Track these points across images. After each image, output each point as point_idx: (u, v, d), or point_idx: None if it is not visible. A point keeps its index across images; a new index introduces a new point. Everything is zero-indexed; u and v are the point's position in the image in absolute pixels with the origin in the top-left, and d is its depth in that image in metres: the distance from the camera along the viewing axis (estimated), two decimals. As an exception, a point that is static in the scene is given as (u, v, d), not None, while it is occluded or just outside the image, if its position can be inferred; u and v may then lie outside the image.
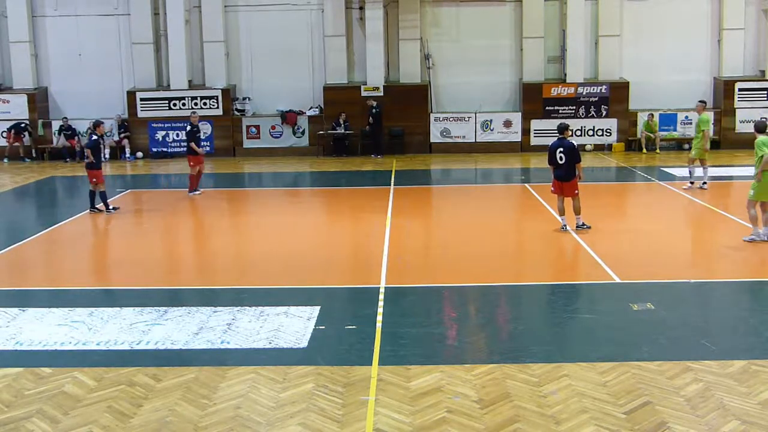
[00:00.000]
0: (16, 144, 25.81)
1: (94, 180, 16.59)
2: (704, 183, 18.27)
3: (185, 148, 19.33)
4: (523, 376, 7.70)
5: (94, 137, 16.86)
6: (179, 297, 10.81)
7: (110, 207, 16.83)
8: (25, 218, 17.80)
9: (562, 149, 13.79)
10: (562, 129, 14.08)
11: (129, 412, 7.09)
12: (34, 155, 26.03)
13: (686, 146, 25.02)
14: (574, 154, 13.73)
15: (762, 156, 12.63)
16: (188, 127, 19.17)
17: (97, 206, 16.79)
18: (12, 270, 12.53)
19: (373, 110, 25.15)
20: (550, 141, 25.26)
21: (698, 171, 18.35)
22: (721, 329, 9.21)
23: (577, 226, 13.86)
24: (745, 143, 25.39)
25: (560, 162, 13.82)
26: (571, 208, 13.99)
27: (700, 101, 18.75)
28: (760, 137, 12.91)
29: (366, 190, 17.51)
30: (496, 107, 26.52)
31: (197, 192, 18.89)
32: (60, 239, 14.89)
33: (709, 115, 18.91)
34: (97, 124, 17.51)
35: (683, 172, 19.88)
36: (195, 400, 7.32)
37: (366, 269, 12.06)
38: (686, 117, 25.62)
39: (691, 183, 18.32)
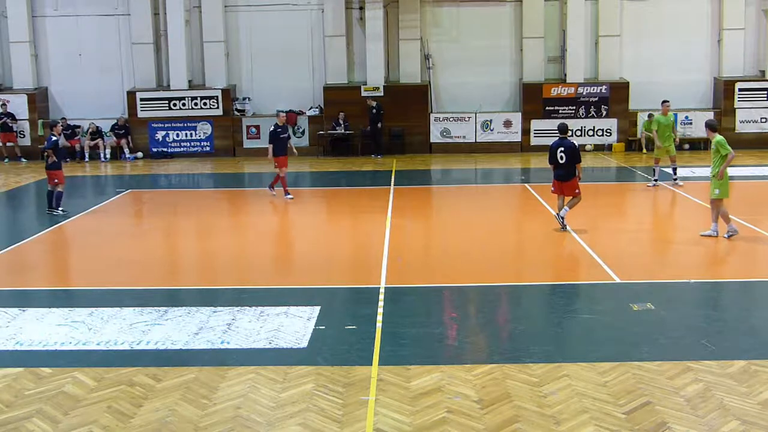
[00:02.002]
0: (10, 144, 25.77)
1: (56, 180, 16.42)
2: (657, 181, 18.75)
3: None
4: (523, 376, 7.70)
5: (53, 138, 16.64)
6: (179, 297, 10.81)
7: (62, 208, 16.50)
8: (25, 218, 17.79)
9: (562, 149, 13.80)
10: (563, 129, 14.10)
11: (129, 412, 7.09)
12: (18, 154, 25.94)
13: (686, 146, 25.06)
14: (574, 154, 13.74)
15: (726, 155, 12.89)
16: (272, 127, 18.29)
17: (55, 207, 16.48)
18: (12, 270, 12.53)
19: (373, 110, 25.14)
20: (550, 141, 25.37)
21: (668, 169, 18.94)
22: (721, 329, 9.21)
23: (559, 215, 13.87)
24: (746, 143, 25.44)
25: (561, 161, 13.84)
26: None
27: (665, 101, 18.94)
28: (718, 136, 13.22)
29: (366, 190, 17.53)
30: (496, 107, 26.52)
31: (273, 192, 18.33)
32: (60, 239, 14.89)
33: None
34: (53, 125, 17.35)
35: (682, 171, 19.89)
36: (195, 400, 7.32)
37: (366, 269, 12.06)
38: (686, 117, 25.63)
39: (675, 180, 18.67)
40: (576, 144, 13.94)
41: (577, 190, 13.81)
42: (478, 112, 26.03)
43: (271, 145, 17.81)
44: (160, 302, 10.33)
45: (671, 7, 26.05)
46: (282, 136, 17.95)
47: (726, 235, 13.25)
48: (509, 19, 26.34)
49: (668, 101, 19.02)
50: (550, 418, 6.83)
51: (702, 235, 13.29)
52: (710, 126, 13.59)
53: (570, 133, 14.35)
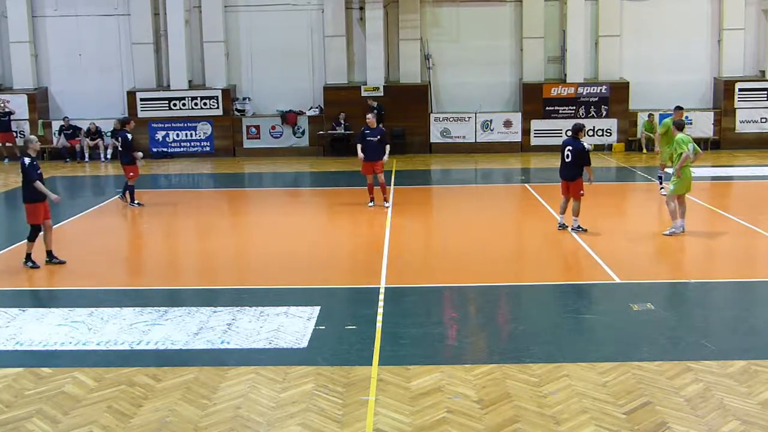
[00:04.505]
0: (9, 144, 25.77)
1: (131, 174, 17.31)
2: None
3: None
4: (523, 376, 7.70)
5: (127, 134, 17.51)
6: (179, 297, 10.82)
7: (135, 201, 17.44)
8: (25, 218, 17.76)
9: (570, 148, 13.77)
10: (576, 130, 13.95)
11: (129, 412, 7.09)
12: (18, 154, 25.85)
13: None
14: (579, 155, 13.67)
15: (681, 153, 13.13)
16: (363, 129, 16.96)
17: (130, 201, 17.43)
18: (12, 270, 12.53)
19: (374, 110, 25.07)
20: (550, 141, 25.55)
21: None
22: (721, 329, 9.22)
23: (572, 228, 13.86)
24: (746, 143, 25.49)
25: (566, 160, 13.83)
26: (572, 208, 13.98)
27: (678, 108, 17.79)
28: (679, 135, 13.43)
29: (366, 190, 17.49)
30: (496, 107, 26.52)
31: (386, 204, 16.75)
32: (60, 240, 14.86)
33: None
34: (126, 121, 18.15)
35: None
36: (195, 400, 7.32)
37: (366, 269, 12.05)
38: (686, 117, 25.56)
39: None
40: (584, 146, 13.78)
41: (581, 192, 13.77)
42: (478, 112, 26.03)
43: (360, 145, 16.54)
44: (160, 302, 10.33)
45: (671, 7, 26.06)
46: (369, 138, 16.50)
47: (666, 232, 13.46)
48: (509, 19, 26.34)
49: (682, 108, 18.49)
50: (550, 418, 6.83)
51: (665, 234, 13.41)
52: (676, 125, 13.85)
53: (568, 132, 14.28)
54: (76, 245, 14.33)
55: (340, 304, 10.52)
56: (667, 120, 18.07)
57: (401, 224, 15.15)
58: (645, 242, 13.29)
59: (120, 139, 17.80)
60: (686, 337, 8.78)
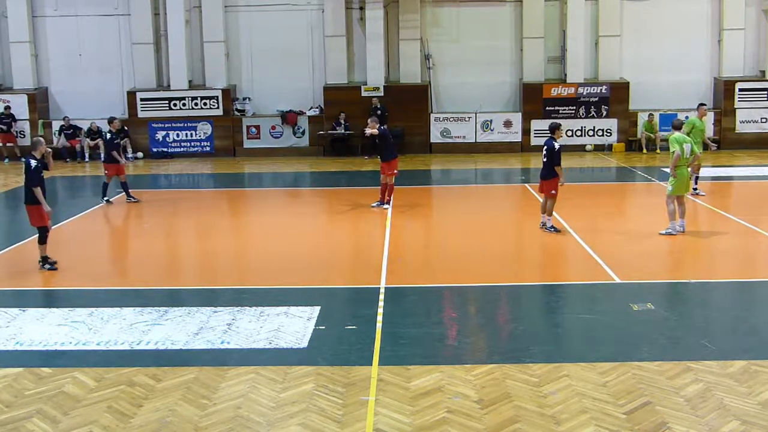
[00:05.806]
0: (10, 144, 25.78)
1: (106, 171, 17.70)
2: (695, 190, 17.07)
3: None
4: (523, 376, 7.70)
5: (107, 134, 17.84)
6: (179, 297, 10.81)
7: (106, 198, 17.80)
8: (25, 218, 17.76)
9: (546, 148, 13.83)
10: (552, 129, 14.00)
11: (129, 412, 7.10)
12: (18, 154, 25.83)
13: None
14: (551, 155, 13.67)
15: (673, 152, 13.19)
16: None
17: (105, 197, 17.83)
18: (12, 270, 12.53)
19: (378, 111, 25.07)
20: (550, 142, 25.46)
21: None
22: (721, 329, 9.22)
23: (541, 226, 13.87)
24: (746, 143, 25.49)
25: (543, 160, 13.90)
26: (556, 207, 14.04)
27: (702, 104, 17.78)
28: (674, 134, 13.47)
29: (366, 190, 17.51)
30: (496, 107, 26.51)
31: (384, 205, 16.60)
32: (59, 240, 14.87)
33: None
34: (110, 121, 18.31)
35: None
36: (195, 400, 7.32)
37: (366, 269, 12.05)
38: (686, 117, 25.50)
39: (695, 189, 17.07)
40: (556, 146, 13.68)
41: (553, 191, 13.76)
42: (478, 112, 26.02)
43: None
44: (160, 302, 10.33)
45: (671, 7, 26.04)
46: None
47: (662, 231, 13.49)
48: (509, 19, 26.33)
49: (705, 104, 17.84)
50: (550, 418, 6.83)
51: (661, 234, 13.43)
52: (672, 125, 13.93)
53: (562, 133, 14.26)
54: (77, 245, 14.34)
55: (340, 304, 10.53)
56: (692, 119, 17.33)
57: (401, 224, 15.15)
58: (645, 242, 13.29)
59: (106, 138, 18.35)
60: (686, 337, 8.79)
